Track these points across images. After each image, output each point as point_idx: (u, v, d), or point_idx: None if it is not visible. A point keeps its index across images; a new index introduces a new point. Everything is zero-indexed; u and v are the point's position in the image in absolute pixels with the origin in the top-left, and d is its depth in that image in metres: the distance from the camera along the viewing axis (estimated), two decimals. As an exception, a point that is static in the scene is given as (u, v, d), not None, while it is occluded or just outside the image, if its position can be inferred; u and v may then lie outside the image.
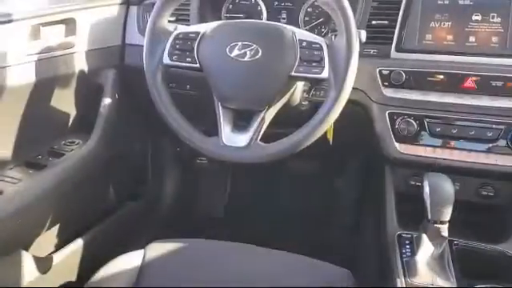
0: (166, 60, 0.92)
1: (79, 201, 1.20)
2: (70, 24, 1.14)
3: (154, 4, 0.96)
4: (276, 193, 1.73)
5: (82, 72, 1.19)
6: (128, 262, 0.95)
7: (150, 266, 0.94)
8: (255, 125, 0.88)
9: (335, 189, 1.70)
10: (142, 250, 0.97)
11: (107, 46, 1.26)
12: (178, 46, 0.92)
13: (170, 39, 0.93)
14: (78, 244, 1.22)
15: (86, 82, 1.21)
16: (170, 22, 0.97)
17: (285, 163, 1.60)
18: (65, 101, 1.19)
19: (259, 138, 0.89)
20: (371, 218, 1.38)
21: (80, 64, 1.19)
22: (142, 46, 0.95)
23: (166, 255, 0.96)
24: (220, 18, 1.28)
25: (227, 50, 0.88)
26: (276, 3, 1.26)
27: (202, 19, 1.18)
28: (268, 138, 0.90)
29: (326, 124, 0.86)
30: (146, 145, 1.57)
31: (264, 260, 0.97)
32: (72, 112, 1.22)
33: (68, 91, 1.18)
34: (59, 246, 1.18)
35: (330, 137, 1.12)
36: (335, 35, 0.88)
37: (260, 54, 0.87)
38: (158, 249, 0.97)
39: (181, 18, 1.21)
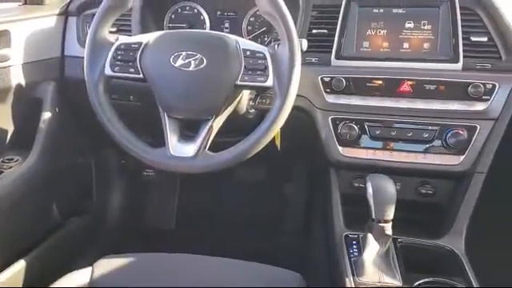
0: (108, 71, 0.91)
1: (21, 219, 1.14)
2: (3, 36, 1.09)
3: (93, 15, 0.94)
4: (225, 201, 1.73)
5: (19, 86, 1.14)
6: (75, 281, 0.92)
7: (98, 284, 0.91)
8: (202, 134, 0.88)
9: (283, 194, 1.73)
10: (90, 268, 0.94)
11: (45, 59, 1.22)
12: (119, 57, 0.91)
13: (112, 50, 0.91)
14: (21, 265, 1.16)
15: (23, 96, 1.16)
16: (111, 32, 0.96)
17: (233, 171, 1.61)
18: (1, 117, 1.13)
19: (207, 147, 0.89)
20: (319, 220, 1.42)
21: (17, 78, 1.14)
22: (83, 57, 0.93)
23: (115, 272, 0.94)
24: (162, 28, 1.27)
25: (171, 59, 0.88)
26: (219, 13, 1.27)
27: (144, 29, 1.17)
28: (216, 146, 0.90)
29: (273, 131, 0.88)
30: (89, 158, 1.52)
31: (216, 270, 0.97)
32: (10, 128, 1.17)
33: (4, 106, 1.13)
34: (1, 268, 1.12)
35: (277, 143, 1.14)
36: (278, 44, 0.90)
37: (205, 63, 0.87)
38: (106, 265, 0.95)
39: (122, 28, 1.20)
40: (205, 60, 0.87)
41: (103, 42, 0.92)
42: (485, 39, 1.05)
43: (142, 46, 0.91)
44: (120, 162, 1.63)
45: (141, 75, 0.90)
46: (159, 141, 0.91)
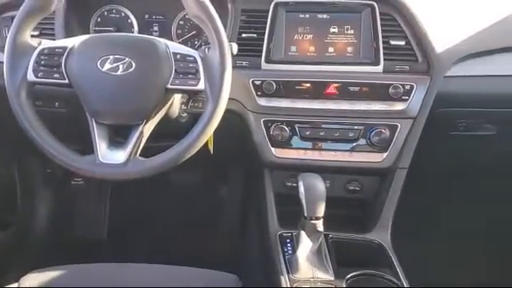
0: (31, 77, 0.87)
1: None
2: None
3: (13, 18, 0.89)
4: (159, 207, 1.70)
5: None
6: None
7: None
8: (133, 140, 0.87)
9: (219, 197, 1.73)
10: (16, 284, 0.89)
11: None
12: (43, 62, 0.87)
13: (34, 55, 0.87)
14: None
15: None
16: (33, 36, 0.92)
17: (167, 176, 1.59)
18: None
19: (138, 152, 0.87)
20: (255, 221, 1.44)
21: None
22: (2, 62, 0.88)
23: (43, 286, 0.89)
24: (88, 32, 1.23)
25: (98, 64, 0.86)
26: (147, 16, 1.25)
27: (69, 33, 1.13)
28: (148, 152, 0.89)
29: (206, 135, 0.88)
30: (12, 168, 1.44)
31: (151, 277, 0.96)
32: None
33: None
34: None
35: (210, 146, 1.14)
36: (208, 48, 0.91)
37: (134, 67, 0.86)
38: (34, 280, 0.90)
39: (45, 32, 1.14)
40: (133, 64, 0.86)
41: (24, 46, 0.88)
42: (403, 43, 1.11)
43: (67, 50, 0.88)
44: (46, 171, 1.55)
45: (66, 80, 0.87)
46: (88, 148, 0.88)
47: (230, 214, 1.71)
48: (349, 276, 0.94)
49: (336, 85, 1.11)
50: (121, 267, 0.96)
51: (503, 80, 1.16)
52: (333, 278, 0.94)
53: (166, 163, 0.87)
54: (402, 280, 0.95)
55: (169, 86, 0.87)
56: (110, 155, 0.86)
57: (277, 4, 1.12)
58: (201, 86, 0.87)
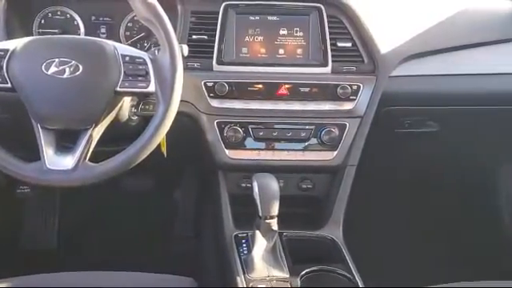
0: None
1: None
2: None
3: None
4: (112, 213, 1.66)
5: None
6: None
7: None
8: (82, 144, 0.84)
9: (173, 200, 1.71)
10: None
11: None
12: None
13: None
14: None
15: None
16: (-29, 38, 0.87)
17: (119, 182, 1.55)
18: None
19: (87, 158, 0.85)
20: (210, 223, 1.44)
21: None
22: None
23: None
24: (31, 34, 1.18)
25: (43, 67, 0.83)
26: (93, 18, 1.22)
27: (10, 35, 1.08)
28: (98, 157, 0.87)
29: (158, 138, 0.87)
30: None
31: (105, 284, 0.93)
32: None
33: None
34: None
35: (163, 149, 1.13)
36: (158, 49, 0.90)
37: (81, 70, 0.84)
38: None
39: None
40: (80, 67, 0.84)
41: None
42: (349, 45, 1.15)
43: (9, 53, 0.84)
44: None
45: (9, 85, 0.84)
46: (34, 154, 0.85)
47: (185, 217, 1.70)
48: (303, 273, 0.96)
49: (287, 86, 1.13)
50: (72, 276, 0.93)
51: (444, 79, 1.23)
52: (288, 276, 0.95)
53: (117, 168, 0.85)
54: (354, 274, 0.98)
55: (118, 89, 0.86)
56: (57, 161, 0.84)
57: (227, 6, 1.12)
58: (151, 88, 0.86)
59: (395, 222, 1.61)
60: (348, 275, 0.98)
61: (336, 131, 1.13)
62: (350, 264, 1.02)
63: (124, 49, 0.89)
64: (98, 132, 0.87)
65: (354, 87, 1.13)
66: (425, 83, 1.22)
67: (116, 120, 0.95)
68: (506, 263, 1.47)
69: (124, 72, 0.86)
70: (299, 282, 0.94)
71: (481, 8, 1.29)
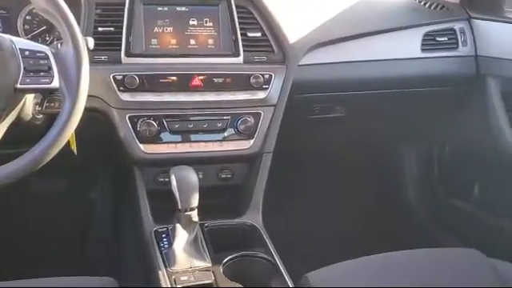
0: None
1: None
2: None
3: None
4: (24, 219, 1.56)
5: None
6: None
7: None
8: (-21, 147, 0.79)
9: (90, 200, 1.65)
10: None
11: None
12: None
13: None
14: None
15: None
16: None
17: (28, 184, 1.46)
18: None
19: None
20: (129, 221, 1.40)
21: None
22: None
23: None
24: None
25: None
26: None
27: None
28: (2, 160, 0.81)
29: (65, 136, 0.83)
30: None
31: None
32: None
33: None
34: None
35: (73, 147, 1.08)
36: (61, 43, 0.86)
37: None
38: None
39: None
40: None
41: None
42: (259, 35, 1.17)
43: None
44: None
45: None
46: None
47: (103, 217, 1.64)
48: (225, 260, 0.98)
49: (201, 77, 1.12)
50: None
51: (344, 66, 1.30)
52: (210, 265, 0.96)
53: (21, 170, 0.80)
54: (275, 257, 1.01)
55: (18, 86, 0.81)
56: None
57: None
58: (55, 83, 0.82)
59: (311, 204, 1.68)
60: (269, 258, 1.01)
61: (251, 120, 1.15)
62: (271, 247, 1.05)
63: (23, 43, 0.83)
64: (-3, 133, 0.82)
65: (266, 76, 1.15)
66: (329, 71, 1.28)
67: (19, 119, 0.89)
68: (410, 235, 1.60)
69: (24, 68, 0.81)
70: (222, 269, 0.96)
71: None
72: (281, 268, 0.99)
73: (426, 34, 1.36)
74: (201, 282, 0.92)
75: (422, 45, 1.35)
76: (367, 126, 1.50)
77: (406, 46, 1.35)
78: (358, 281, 0.92)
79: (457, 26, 1.39)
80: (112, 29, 1.10)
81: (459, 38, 1.39)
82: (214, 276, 0.94)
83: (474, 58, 1.39)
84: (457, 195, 1.57)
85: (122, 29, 1.09)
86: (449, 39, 1.38)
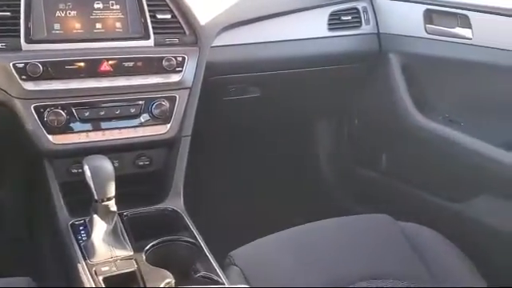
0: None
1: None
2: None
3: None
4: None
5: None
6: None
7: None
8: None
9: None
10: None
11: None
12: None
13: None
14: None
15: None
16: None
17: None
18: None
19: None
20: (43, 217, 1.34)
21: None
22: None
23: None
24: None
25: None
26: None
27: None
28: None
29: None
30: None
31: None
32: None
33: None
34: None
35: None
36: None
37: None
38: None
39: None
40: None
41: None
42: (169, 16, 1.15)
43: None
44: None
45: None
46: None
47: (16, 215, 1.54)
48: (148, 247, 0.97)
49: (110, 62, 1.09)
50: None
51: (255, 47, 1.32)
52: (132, 253, 0.95)
53: None
54: (198, 238, 1.02)
55: None
56: None
57: None
58: None
59: (231, 184, 1.71)
60: (192, 241, 1.02)
61: (167, 104, 1.13)
62: (194, 230, 1.05)
63: None
64: None
65: (179, 59, 1.14)
66: (241, 52, 1.30)
67: None
68: (325, 208, 1.68)
69: None
70: (144, 256, 0.95)
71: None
72: (205, 250, 1.00)
73: (332, 14, 1.42)
74: (123, 271, 0.90)
75: (329, 24, 1.41)
76: (282, 105, 1.54)
77: (314, 26, 1.40)
78: (278, 254, 0.96)
79: (360, 5, 1.47)
80: (8, 13, 1.03)
81: (362, 16, 1.46)
82: (137, 263, 0.92)
83: (377, 35, 1.47)
84: (366, 165, 1.67)
85: (19, 13, 1.03)
86: (352, 18, 1.45)
